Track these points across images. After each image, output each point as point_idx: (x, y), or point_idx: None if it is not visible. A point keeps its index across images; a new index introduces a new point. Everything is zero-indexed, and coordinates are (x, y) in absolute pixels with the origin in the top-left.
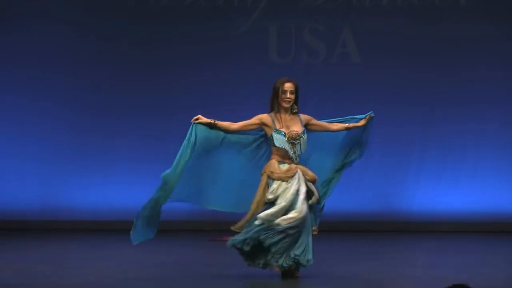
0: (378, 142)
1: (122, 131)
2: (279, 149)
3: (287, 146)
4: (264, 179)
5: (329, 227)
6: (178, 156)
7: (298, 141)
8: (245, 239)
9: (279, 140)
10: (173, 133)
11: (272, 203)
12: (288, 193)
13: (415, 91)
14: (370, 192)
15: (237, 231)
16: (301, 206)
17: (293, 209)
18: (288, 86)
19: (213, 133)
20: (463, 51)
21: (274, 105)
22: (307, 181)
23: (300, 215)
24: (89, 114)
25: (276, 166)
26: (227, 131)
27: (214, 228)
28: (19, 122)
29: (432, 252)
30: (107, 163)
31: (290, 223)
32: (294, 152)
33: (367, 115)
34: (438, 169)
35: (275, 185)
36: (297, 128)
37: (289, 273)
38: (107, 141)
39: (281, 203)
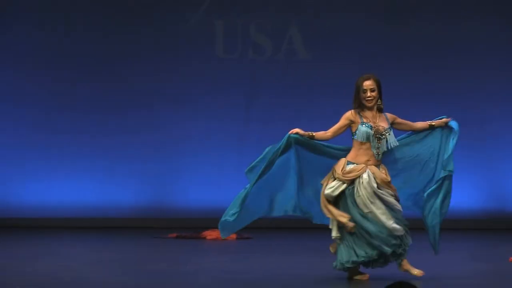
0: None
1: (81, 128)
2: (362, 145)
3: (373, 140)
4: (329, 173)
5: (270, 225)
6: (260, 160)
7: (384, 136)
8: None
9: (364, 133)
10: (126, 129)
11: (334, 202)
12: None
13: None
14: None
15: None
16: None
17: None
18: (367, 84)
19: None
20: (415, 48)
21: (356, 102)
22: (378, 184)
23: None
24: (50, 112)
25: (342, 165)
26: (323, 141)
27: (163, 225)
28: None
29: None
30: (67, 160)
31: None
32: (378, 148)
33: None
34: None
35: (334, 183)
36: (383, 124)
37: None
38: (66, 138)
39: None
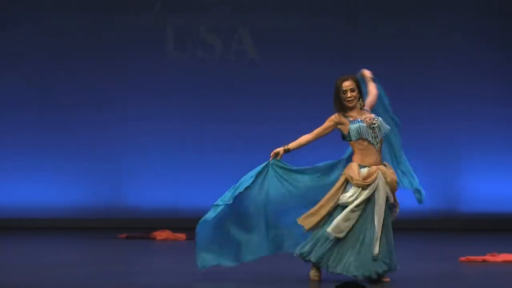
0: (270, 138)
1: (30, 127)
2: (361, 144)
3: (368, 133)
4: (342, 180)
5: None
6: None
7: (375, 123)
8: (311, 252)
9: (359, 129)
10: (75, 129)
11: (344, 207)
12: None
13: (313, 88)
14: None
15: (310, 230)
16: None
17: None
18: (346, 85)
19: (285, 182)
20: (358, 48)
21: (338, 104)
22: (387, 186)
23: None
24: None
25: (356, 171)
26: (304, 145)
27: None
28: None
29: None
30: (13, 160)
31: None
32: (376, 137)
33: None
34: None
35: (352, 191)
36: (369, 115)
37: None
38: (12, 137)
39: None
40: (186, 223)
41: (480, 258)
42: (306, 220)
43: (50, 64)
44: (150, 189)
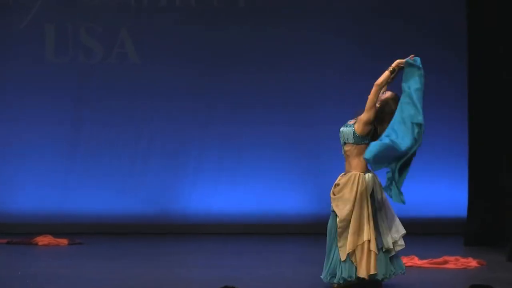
0: (154, 142)
1: None
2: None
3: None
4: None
5: (100, 230)
6: None
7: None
8: None
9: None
10: None
11: None
12: None
13: (196, 91)
14: (144, 194)
15: None
16: None
17: None
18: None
19: None
20: (240, 53)
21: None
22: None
23: None
24: None
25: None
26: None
27: None
28: None
29: (210, 253)
30: None
31: None
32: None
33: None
34: (215, 169)
35: None
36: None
37: None
38: None
39: None
40: (68, 228)
41: None
42: None
43: None
44: (31, 194)
